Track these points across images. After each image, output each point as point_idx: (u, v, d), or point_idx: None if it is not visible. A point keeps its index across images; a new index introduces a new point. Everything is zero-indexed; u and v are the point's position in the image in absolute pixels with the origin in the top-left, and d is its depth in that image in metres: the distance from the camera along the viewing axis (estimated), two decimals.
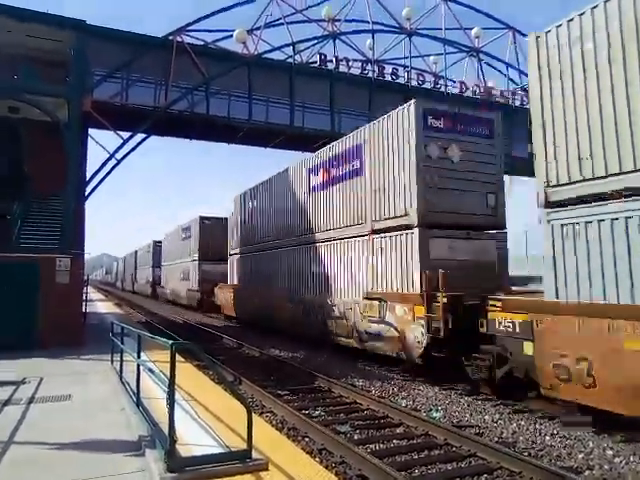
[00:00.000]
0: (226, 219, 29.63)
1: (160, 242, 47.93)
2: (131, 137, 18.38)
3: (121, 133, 18.37)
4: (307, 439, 7.39)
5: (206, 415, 6.56)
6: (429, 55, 24.21)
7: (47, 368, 10.13)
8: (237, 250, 24.89)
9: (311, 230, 16.79)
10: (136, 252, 61.42)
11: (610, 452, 6.83)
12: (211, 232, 32.13)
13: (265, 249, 20.71)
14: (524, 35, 22.48)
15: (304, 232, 17.36)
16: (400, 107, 12.43)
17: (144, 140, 19.42)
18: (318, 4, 21.55)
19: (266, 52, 20.56)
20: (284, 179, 19.17)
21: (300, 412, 8.53)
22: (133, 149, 18.72)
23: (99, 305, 32.28)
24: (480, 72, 24.32)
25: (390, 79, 23.00)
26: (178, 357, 9.45)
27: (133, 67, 18.66)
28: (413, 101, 12.09)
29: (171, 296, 40.30)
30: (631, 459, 6.55)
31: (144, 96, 19.06)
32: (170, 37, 19.04)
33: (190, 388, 8.02)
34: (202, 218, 33.22)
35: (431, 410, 9.01)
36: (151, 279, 49.16)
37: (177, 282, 37.89)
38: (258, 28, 20.42)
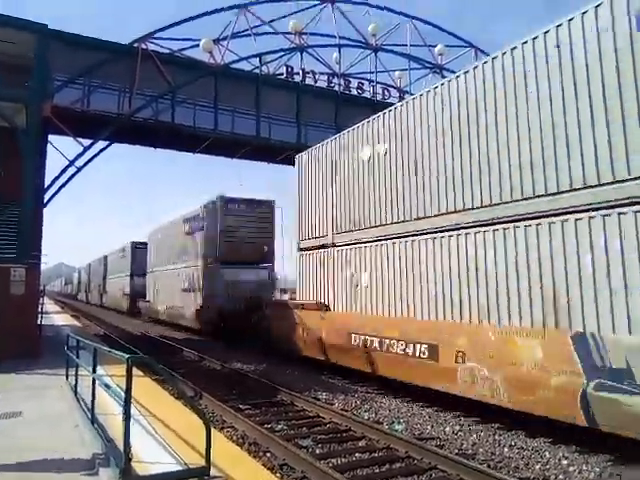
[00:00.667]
0: (262, 202, 23.07)
1: (143, 244, 37.96)
2: (92, 144, 17.98)
3: (83, 140, 17.98)
4: (268, 454, 7.29)
5: (164, 431, 6.40)
6: (394, 70, 24.67)
7: None
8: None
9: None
10: (106, 257, 51.25)
11: (565, 462, 7.00)
12: (238, 221, 22.46)
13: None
14: (486, 53, 23.17)
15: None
16: None
17: (106, 148, 19.04)
18: (285, 17, 21.70)
19: (233, 62, 20.53)
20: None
21: (262, 427, 8.41)
22: (94, 156, 18.32)
23: (56, 317, 31.25)
24: None
25: (356, 93, 23.30)
26: (136, 371, 9.24)
27: (97, 73, 18.30)
28: None
29: (165, 314, 29.59)
30: (584, 467, 6.73)
31: (107, 103, 18.69)
32: (135, 44, 18.79)
33: (148, 403, 7.81)
34: (225, 201, 22.56)
35: (393, 423, 9.04)
36: (129, 290, 39.87)
37: (176, 295, 27.18)
38: (225, 38, 20.38)
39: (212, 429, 4.98)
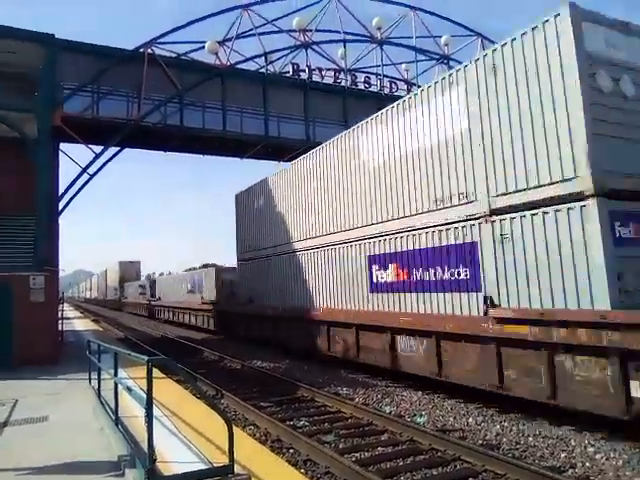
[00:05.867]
0: None
1: None
2: (103, 151, 18.11)
3: (94, 147, 18.10)
4: (291, 450, 7.30)
5: (187, 430, 6.44)
6: (400, 63, 24.47)
7: (22, 389, 9.84)
8: None
9: None
10: None
11: (591, 449, 6.91)
12: None
13: None
14: (492, 41, 22.88)
15: None
16: None
17: (117, 153, 19.13)
18: (288, 14, 21.61)
19: (239, 63, 20.49)
20: None
21: (284, 423, 8.44)
22: (106, 163, 18.44)
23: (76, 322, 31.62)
24: None
25: (363, 87, 23.18)
26: (158, 373, 9.31)
27: (104, 80, 18.40)
28: None
29: None
30: (611, 455, 6.63)
31: (116, 109, 18.78)
32: (141, 49, 18.85)
33: (171, 403, 7.87)
34: None
35: (415, 415, 9.00)
36: None
37: None
38: (230, 39, 20.37)
39: (235, 427, 4.99)
